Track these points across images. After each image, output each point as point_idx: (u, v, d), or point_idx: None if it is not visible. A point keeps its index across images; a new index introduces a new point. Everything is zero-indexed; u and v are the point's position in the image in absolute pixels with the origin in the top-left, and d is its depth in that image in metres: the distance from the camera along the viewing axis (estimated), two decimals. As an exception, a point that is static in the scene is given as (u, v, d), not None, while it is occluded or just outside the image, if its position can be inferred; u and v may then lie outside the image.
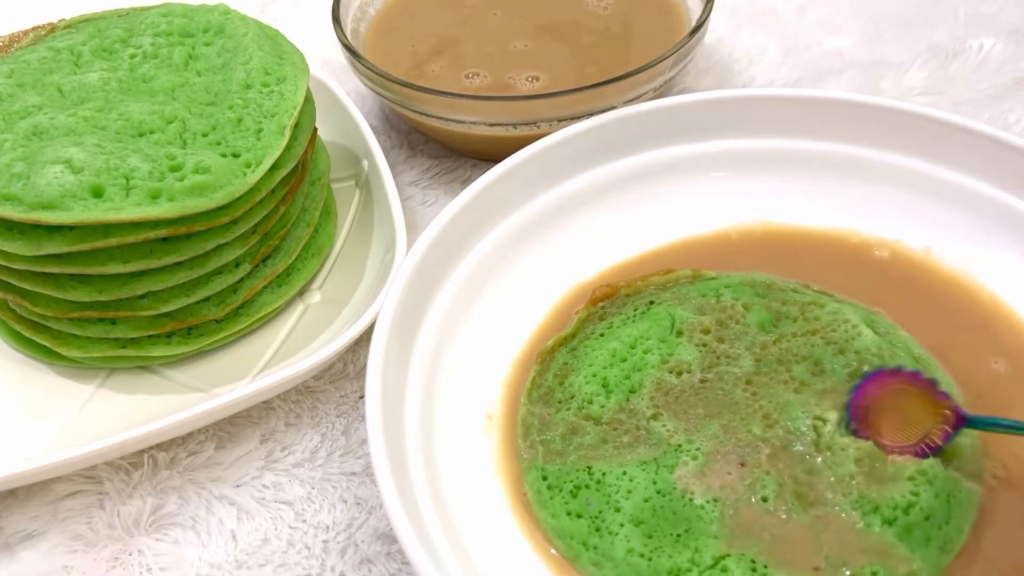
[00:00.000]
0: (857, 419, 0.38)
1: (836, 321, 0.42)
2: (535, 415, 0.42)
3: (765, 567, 0.35)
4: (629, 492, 0.38)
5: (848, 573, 0.35)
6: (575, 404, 0.41)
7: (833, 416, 0.38)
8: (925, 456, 0.37)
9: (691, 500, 0.37)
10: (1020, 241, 0.46)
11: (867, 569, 0.35)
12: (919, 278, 0.46)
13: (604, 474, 0.39)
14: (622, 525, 0.37)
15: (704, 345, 0.42)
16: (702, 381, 0.41)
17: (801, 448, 0.38)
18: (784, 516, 0.36)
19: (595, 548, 0.37)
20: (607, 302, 0.46)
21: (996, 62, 0.62)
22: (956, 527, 0.37)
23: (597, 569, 0.37)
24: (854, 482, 0.36)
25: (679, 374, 0.41)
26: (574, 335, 0.45)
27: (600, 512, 0.38)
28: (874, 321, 0.43)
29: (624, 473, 0.38)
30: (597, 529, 0.37)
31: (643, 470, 0.38)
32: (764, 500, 0.37)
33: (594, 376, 0.42)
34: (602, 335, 0.44)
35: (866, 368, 0.40)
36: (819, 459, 0.38)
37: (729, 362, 0.42)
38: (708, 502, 0.37)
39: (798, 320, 0.43)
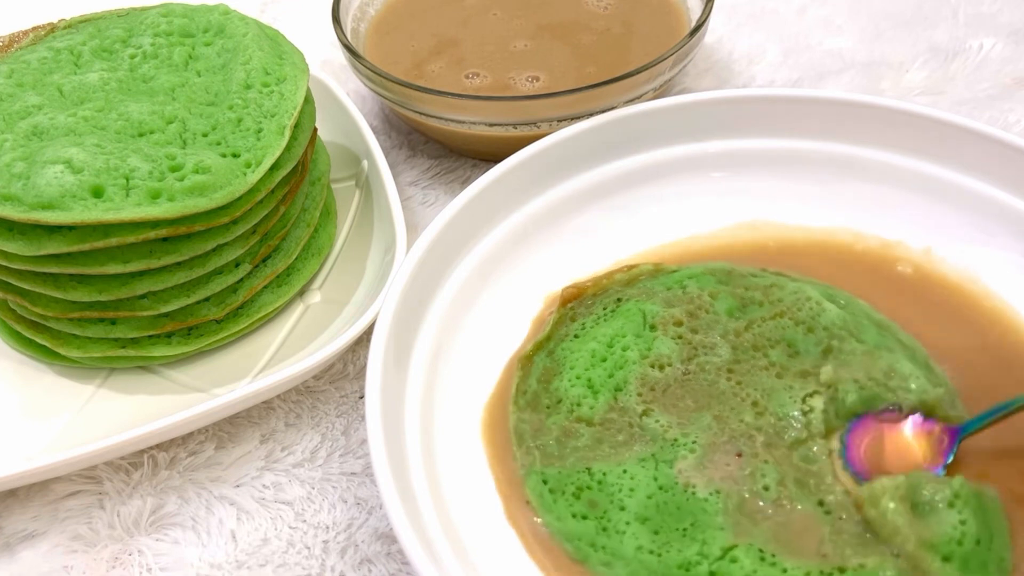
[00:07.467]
0: (855, 463, 0.38)
1: (799, 300, 0.43)
2: (526, 421, 0.42)
3: (773, 555, 0.35)
4: (632, 490, 0.38)
5: (853, 558, 0.35)
6: (564, 408, 0.41)
7: (819, 400, 0.39)
8: None
9: (694, 493, 0.37)
10: (1020, 241, 0.46)
11: (871, 560, 0.35)
12: (919, 278, 0.46)
13: (605, 474, 0.39)
14: (628, 523, 0.37)
15: (680, 337, 0.43)
16: (685, 373, 0.42)
17: (794, 435, 0.39)
18: (787, 505, 0.37)
19: (604, 548, 0.37)
20: (575, 302, 0.46)
21: (996, 62, 0.61)
22: (1001, 542, 0.36)
23: (608, 569, 0.37)
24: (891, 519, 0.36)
25: (661, 368, 0.42)
26: (549, 338, 0.45)
27: (605, 512, 0.38)
28: (833, 295, 0.44)
29: (624, 471, 0.38)
30: (604, 529, 0.37)
31: (643, 467, 0.38)
32: (766, 489, 0.37)
33: (578, 378, 0.42)
34: (576, 336, 0.44)
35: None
36: (815, 447, 0.38)
37: (707, 352, 0.42)
38: (711, 494, 0.37)
39: (763, 304, 0.44)
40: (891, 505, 0.36)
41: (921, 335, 0.43)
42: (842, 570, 0.35)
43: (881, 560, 0.35)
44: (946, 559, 0.35)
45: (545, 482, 0.39)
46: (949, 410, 0.39)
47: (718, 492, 0.37)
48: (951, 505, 0.36)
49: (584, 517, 0.38)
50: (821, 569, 0.35)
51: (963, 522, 0.35)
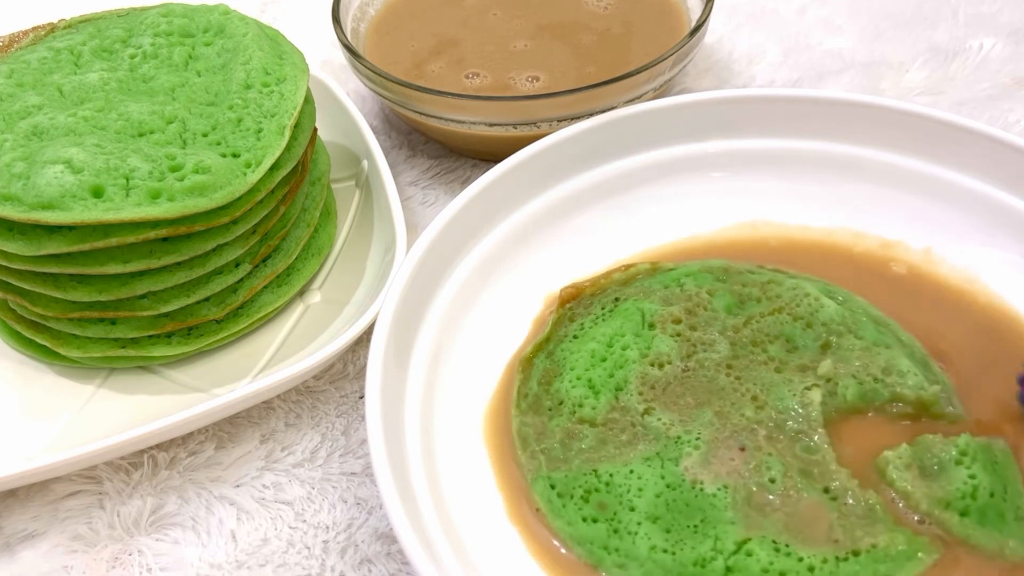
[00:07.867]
0: None
1: (797, 296, 0.43)
2: (529, 425, 0.42)
3: (787, 546, 0.36)
4: (640, 490, 0.38)
5: (865, 539, 0.36)
6: (566, 409, 0.41)
7: (817, 393, 0.40)
8: None
9: (702, 489, 0.37)
10: (1020, 241, 0.46)
11: (882, 538, 0.36)
12: (919, 279, 0.46)
13: (612, 475, 0.39)
14: (640, 523, 0.37)
15: (679, 335, 0.43)
16: (684, 371, 0.42)
17: (795, 426, 0.39)
18: (794, 495, 0.37)
19: (617, 550, 0.37)
20: (574, 303, 0.46)
21: (996, 62, 0.61)
22: (1015, 491, 0.37)
23: (622, 571, 0.37)
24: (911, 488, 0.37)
25: (661, 366, 0.42)
26: (549, 339, 0.45)
27: (616, 513, 0.38)
28: (831, 291, 0.45)
29: (631, 471, 0.38)
30: (616, 531, 0.37)
31: (649, 466, 0.38)
32: (772, 481, 0.37)
33: (579, 379, 0.42)
34: (575, 337, 0.44)
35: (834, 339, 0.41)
36: (815, 437, 0.39)
37: (706, 349, 0.42)
38: (719, 489, 0.37)
39: (761, 300, 0.44)
40: (897, 474, 0.37)
41: (920, 334, 0.43)
42: (856, 552, 0.35)
43: (891, 536, 0.36)
44: (964, 514, 0.36)
45: (553, 486, 0.39)
46: (946, 407, 0.40)
47: (725, 487, 0.37)
48: (958, 463, 0.37)
49: (595, 520, 0.38)
50: (836, 554, 0.35)
51: (972, 476, 0.36)
